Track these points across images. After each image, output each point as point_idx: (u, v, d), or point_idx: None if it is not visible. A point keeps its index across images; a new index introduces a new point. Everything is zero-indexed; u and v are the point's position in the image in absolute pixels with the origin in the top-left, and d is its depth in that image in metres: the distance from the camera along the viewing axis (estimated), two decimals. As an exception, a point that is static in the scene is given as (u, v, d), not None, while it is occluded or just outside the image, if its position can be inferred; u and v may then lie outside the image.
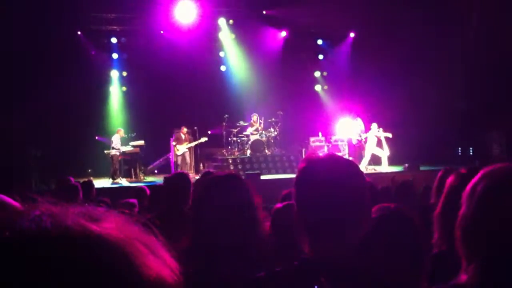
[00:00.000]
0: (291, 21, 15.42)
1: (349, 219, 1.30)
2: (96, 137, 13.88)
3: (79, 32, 14.61)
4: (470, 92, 13.26)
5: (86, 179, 7.80)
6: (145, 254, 0.53)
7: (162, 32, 15.06)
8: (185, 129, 13.62)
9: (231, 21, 15.72)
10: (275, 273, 1.35)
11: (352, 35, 16.42)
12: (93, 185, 6.49)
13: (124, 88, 15.56)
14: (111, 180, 12.52)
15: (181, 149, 13.49)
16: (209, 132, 14.48)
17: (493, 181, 1.10)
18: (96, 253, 0.49)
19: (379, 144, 13.11)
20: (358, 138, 13.22)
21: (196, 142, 13.74)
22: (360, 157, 13.18)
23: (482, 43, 13.02)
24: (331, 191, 1.30)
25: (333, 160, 1.39)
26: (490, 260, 1.06)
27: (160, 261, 0.54)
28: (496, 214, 1.07)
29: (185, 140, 13.62)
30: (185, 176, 3.75)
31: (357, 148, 13.51)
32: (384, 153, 13.08)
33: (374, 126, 13.08)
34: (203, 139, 13.79)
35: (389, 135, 12.95)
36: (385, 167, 12.97)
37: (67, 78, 13.13)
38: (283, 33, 16.09)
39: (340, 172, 1.34)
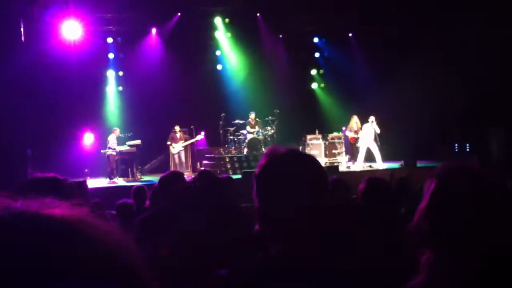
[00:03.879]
0: (287, 20, 15.37)
1: (310, 216, 1.26)
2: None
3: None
4: (468, 89, 13.24)
5: (81, 179, 7.77)
6: (94, 227, 0.55)
7: (155, 30, 15.05)
8: (177, 128, 13.60)
9: (227, 20, 15.69)
10: (238, 271, 1.30)
11: (350, 34, 16.39)
12: (87, 185, 6.48)
13: (120, 88, 15.51)
14: (108, 179, 12.51)
15: (177, 147, 13.48)
16: (203, 133, 14.28)
17: (441, 180, 1.22)
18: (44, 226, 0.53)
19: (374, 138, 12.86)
20: (354, 135, 13.16)
21: (192, 140, 13.73)
22: (357, 154, 13.12)
23: (480, 39, 13.02)
24: (292, 187, 1.26)
25: (293, 155, 1.34)
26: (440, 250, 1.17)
27: (109, 235, 0.56)
28: (443, 210, 1.19)
29: (181, 139, 13.60)
30: (178, 175, 3.77)
31: (354, 146, 13.47)
32: (378, 149, 12.73)
33: (371, 119, 12.61)
34: (199, 137, 13.77)
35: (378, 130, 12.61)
36: (380, 164, 12.85)
37: (63, 77, 13.08)
38: (279, 33, 16.06)
39: (301, 167, 1.30)
